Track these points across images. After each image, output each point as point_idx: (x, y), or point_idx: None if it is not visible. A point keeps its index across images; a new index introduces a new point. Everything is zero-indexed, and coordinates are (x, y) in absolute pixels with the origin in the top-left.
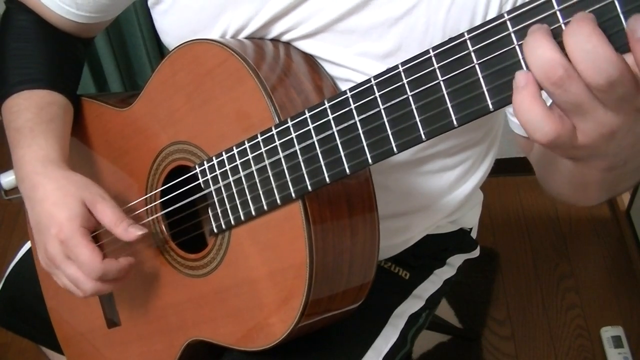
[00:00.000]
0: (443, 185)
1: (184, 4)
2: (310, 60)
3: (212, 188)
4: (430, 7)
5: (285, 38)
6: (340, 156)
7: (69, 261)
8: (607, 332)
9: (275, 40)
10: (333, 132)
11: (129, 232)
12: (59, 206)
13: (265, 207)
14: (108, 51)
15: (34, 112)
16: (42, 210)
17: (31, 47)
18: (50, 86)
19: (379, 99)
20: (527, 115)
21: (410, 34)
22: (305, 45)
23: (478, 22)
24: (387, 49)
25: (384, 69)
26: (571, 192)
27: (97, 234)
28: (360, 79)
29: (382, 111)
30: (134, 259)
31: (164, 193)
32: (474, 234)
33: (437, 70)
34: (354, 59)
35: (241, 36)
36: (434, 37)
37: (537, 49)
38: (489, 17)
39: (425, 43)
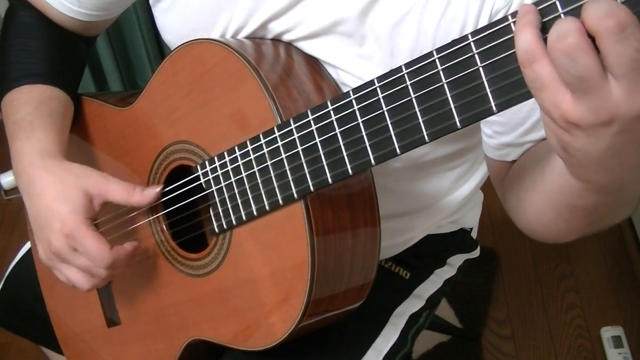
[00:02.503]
0: (443, 186)
1: (184, 1)
2: (311, 60)
3: (214, 188)
4: (422, 16)
5: (286, 38)
6: (343, 157)
7: (76, 253)
8: (607, 332)
9: (275, 40)
10: (336, 133)
11: (147, 194)
12: (59, 200)
13: (267, 207)
14: (108, 51)
15: (34, 105)
16: (41, 205)
17: (33, 42)
18: (51, 82)
19: (382, 101)
20: (519, 38)
21: (402, 40)
22: (306, 46)
23: None
24: (382, 54)
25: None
26: (554, 217)
27: (95, 223)
28: (359, 83)
29: (386, 113)
30: (137, 243)
31: (165, 193)
32: (474, 234)
33: (441, 72)
34: (353, 62)
35: (241, 35)
36: (424, 46)
37: (557, 22)
38: None
39: (416, 51)
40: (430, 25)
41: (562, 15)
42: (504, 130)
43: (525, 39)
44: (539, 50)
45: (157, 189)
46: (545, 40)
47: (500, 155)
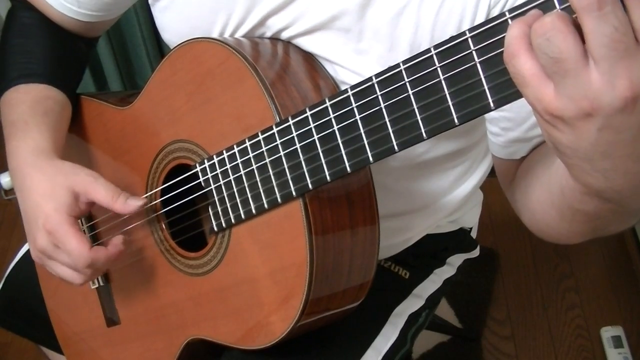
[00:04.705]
0: (443, 185)
1: (183, 0)
2: (309, 58)
3: (213, 186)
4: (420, 9)
5: (285, 34)
6: (341, 154)
7: (58, 250)
8: (607, 332)
9: (274, 39)
10: (334, 131)
11: (128, 204)
12: (46, 197)
13: (265, 206)
14: (108, 51)
15: (30, 105)
16: (30, 202)
17: (33, 43)
18: (49, 81)
19: (380, 98)
20: (507, 31)
21: (400, 34)
22: (305, 43)
23: (465, 26)
24: (381, 48)
25: (379, 70)
26: (558, 218)
27: (94, 223)
28: (356, 79)
29: (384, 110)
30: (123, 246)
31: (164, 191)
32: (473, 234)
33: (439, 69)
34: (351, 58)
35: (241, 31)
36: (423, 38)
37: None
38: (476, 22)
39: (415, 45)
40: (428, 18)
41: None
42: (511, 126)
43: (508, 34)
44: (519, 45)
45: (140, 202)
46: None
47: (509, 154)
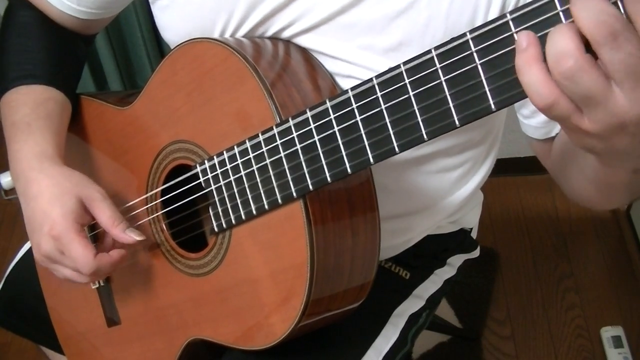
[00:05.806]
0: (444, 186)
1: None
2: (310, 59)
3: (213, 187)
4: (432, 1)
5: (286, 32)
6: (342, 156)
7: (63, 255)
8: (607, 332)
9: (274, 39)
10: (334, 132)
11: (127, 235)
12: (53, 203)
13: (266, 207)
14: (108, 51)
15: (31, 107)
16: (36, 207)
17: (32, 42)
18: (49, 82)
19: (380, 99)
20: (527, 77)
21: (412, 27)
22: (307, 40)
23: (479, 18)
24: (390, 42)
25: (387, 63)
26: (595, 192)
27: (97, 232)
28: (363, 73)
29: (384, 111)
30: (126, 252)
31: (164, 192)
32: (474, 234)
33: (439, 70)
34: (356, 53)
35: (242, 30)
36: (436, 30)
37: (553, 36)
38: (491, 12)
39: (427, 37)
40: (441, 10)
41: (561, 14)
42: None
43: (534, 80)
44: (554, 91)
45: (140, 237)
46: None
47: (544, 134)
